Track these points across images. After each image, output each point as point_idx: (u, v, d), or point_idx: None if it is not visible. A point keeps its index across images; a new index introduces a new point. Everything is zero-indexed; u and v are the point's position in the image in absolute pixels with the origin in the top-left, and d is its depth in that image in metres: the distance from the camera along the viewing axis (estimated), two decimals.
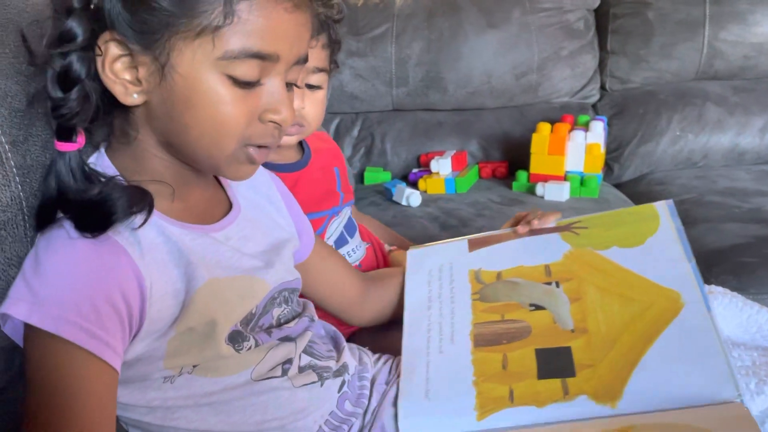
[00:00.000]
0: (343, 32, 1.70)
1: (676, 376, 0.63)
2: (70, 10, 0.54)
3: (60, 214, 0.57)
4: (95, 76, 0.56)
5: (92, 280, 0.54)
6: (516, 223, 0.89)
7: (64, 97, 0.55)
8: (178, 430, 0.62)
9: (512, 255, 0.84)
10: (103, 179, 0.58)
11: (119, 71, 0.56)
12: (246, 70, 0.56)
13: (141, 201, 0.57)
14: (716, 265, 1.19)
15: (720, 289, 0.84)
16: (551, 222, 0.87)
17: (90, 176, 0.57)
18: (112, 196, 0.55)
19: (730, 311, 0.77)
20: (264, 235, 0.70)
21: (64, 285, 0.53)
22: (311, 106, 0.88)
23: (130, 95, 0.57)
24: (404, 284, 0.86)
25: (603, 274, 0.76)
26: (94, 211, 0.55)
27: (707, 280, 1.13)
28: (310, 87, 0.87)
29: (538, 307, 0.75)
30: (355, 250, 1.02)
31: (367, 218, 1.25)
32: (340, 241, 0.99)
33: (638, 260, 0.76)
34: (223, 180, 0.71)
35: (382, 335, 0.91)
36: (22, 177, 0.58)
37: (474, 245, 0.88)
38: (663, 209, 0.82)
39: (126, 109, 0.59)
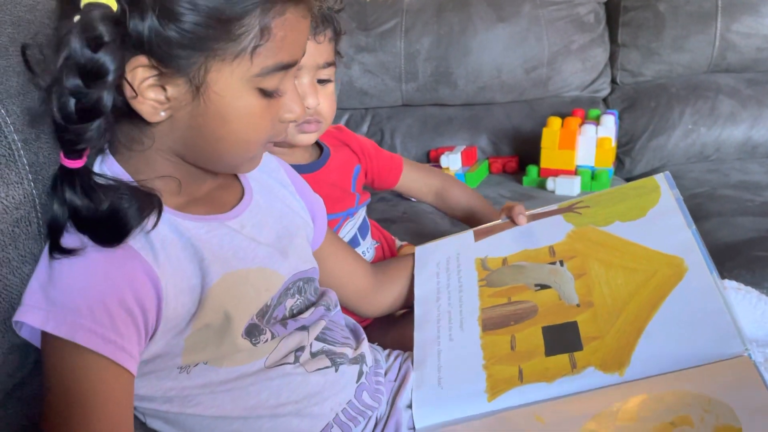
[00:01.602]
0: (352, 28, 1.70)
1: (683, 337, 0.63)
2: (100, 44, 0.51)
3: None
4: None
5: (106, 285, 0.54)
6: (507, 213, 0.90)
7: (82, 127, 0.53)
8: (195, 417, 0.62)
9: (517, 240, 0.85)
10: (110, 184, 0.56)
11: (145, 91, 0.55)
12: (274, 81, 0.58)
13: (150, 204, 0.57)
14: (730, 259, 1.18)
15: (734, 284, 0.83)
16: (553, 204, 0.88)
17: (99, 187, 0.56)
18: (122, 206, 0.55)
19: (744, 307, 0.77)
20: (277, 219, 0.71)
21: (78, 291, 0.53)
22: (325, 101, 0.88)
23: (157, 114, 0.56)
24: (413, 279, 0.87)
25: (606, 249, 0.77)
26: (108, 224, 0.55)
27: (721, 275, 1.13)
28: (320, 82, 0.87)
29: (543, 287, 0.76)
30: (366, 252, 1.02)
31: (461, 185, 1.15)
32: (353, 244, 0.99)
33: (641, 231, 0.77)
34: None
35: (393, 330, 0.92)
36: (34, 174, 0.58)
37: (479, 235, 0.89)
38: (662, 181, 0.83)
39: (141, 121, 0.57)
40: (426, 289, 0.84)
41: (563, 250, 0.79)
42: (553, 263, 0.78)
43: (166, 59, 0.53)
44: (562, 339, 0.69)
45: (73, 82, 0.51)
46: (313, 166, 0.95)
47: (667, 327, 0.65)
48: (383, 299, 0.89)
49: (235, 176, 0.71)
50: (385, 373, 0.77)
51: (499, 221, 0.90)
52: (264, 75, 0.56)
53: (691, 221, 0.75)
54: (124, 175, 0.59)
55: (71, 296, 0.53)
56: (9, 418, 0.61)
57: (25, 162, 0.57)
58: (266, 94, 0.58)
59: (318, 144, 0.99)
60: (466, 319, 0.77)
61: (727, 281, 0.85)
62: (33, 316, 0.53)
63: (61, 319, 0.52)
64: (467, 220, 1.09)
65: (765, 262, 1.15)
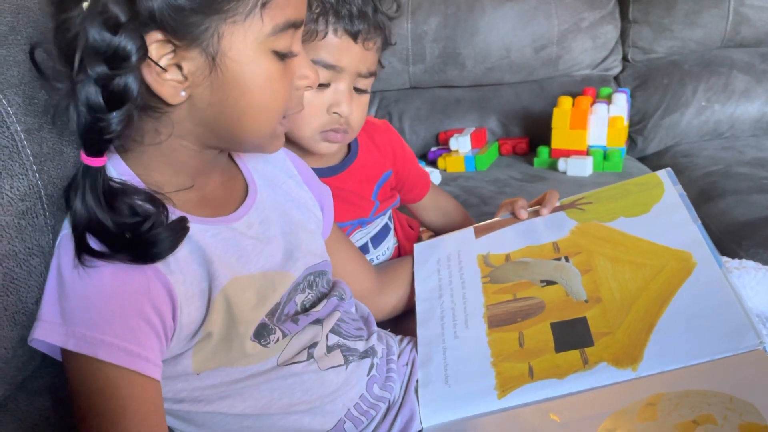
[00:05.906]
0: None
1: (696, 331, 0.62)
2: (118, 26, 0.50)
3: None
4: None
5: (122, 299, 0.53)
6: (507, 209, 0.88)
7: (107, 118, 0.52)
8: (206, 414, 0.62)
9: (519, 237, 0.84)
10: (141, 205, 0.55)
11: (162, 71, 0.53)
12: (285, 41, 0.57)
13: (182, 233, 0.57)
14: (747, 238, 1.17)
15: (752, 263, 0.82)
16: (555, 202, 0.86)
17: (116, 192, 0.55)
18: (161, 236, 0.54)
19: (764, 286, 0.76)
20: (282, 213, 0.70)
21: (95, 307, 0.53)
22: (357, 111, 0.83)
23: (177, 94, 0.55)
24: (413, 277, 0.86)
25: (612, 244, 0.76)
26: (140, 247, 0.54)
27: (737, 254, 1.12)
28: (357, 90, 0.83)
29: (549, 283, 0.75)
30: (374, 260, 0.98)
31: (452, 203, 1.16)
32: (361, 251, 0.95)
33: (646, 227, 0.76)
34: (237, 159, 0.70)
35: (406, 316, 0.90)
36: (39, 165, 0.57)
37: (480, 232, 0.88)
38: (665, 177, 0.82)
39: (156, 110, 0.56)
40: (427, 286, 0.83)
41: (568, 246, 0.79)
42: (558, 259, 0.78)
43: (180, 29, 0.52)
44: (572, 335, 0.68)
45: (98, 69, 0.50)
46: (334, 169, 0.90)
47: (679, 322, 0.64)
48: (386, 301, 0.87)
49: (239, 170, 0.70)
50: (398, 357, 0.76)
51: (498, 218, 0.89)
52: (276, 34, 0.56)
53: (696, 216, 0.74)
54: (130, 176, 0.58)
55: (89, 312, 0.53)
56: (20, 411, 0.61)
57: (29, 153, 0.57)
58: (280, 56, 0.57)
59: (348, 145, 0.94)
60: (471, 316, 0.76)
61: (744, 261, 0.84)
62: (53, 336, 0.53)
63: (80, 336, 0.52)
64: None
65: None
